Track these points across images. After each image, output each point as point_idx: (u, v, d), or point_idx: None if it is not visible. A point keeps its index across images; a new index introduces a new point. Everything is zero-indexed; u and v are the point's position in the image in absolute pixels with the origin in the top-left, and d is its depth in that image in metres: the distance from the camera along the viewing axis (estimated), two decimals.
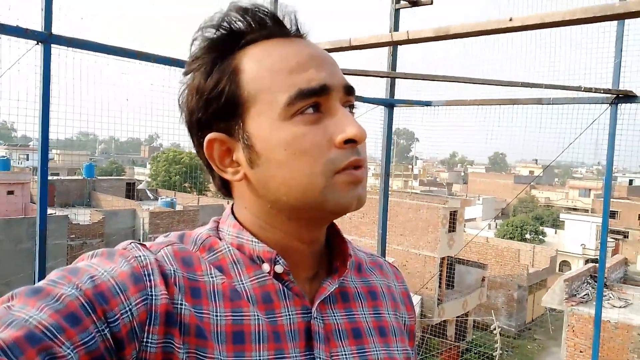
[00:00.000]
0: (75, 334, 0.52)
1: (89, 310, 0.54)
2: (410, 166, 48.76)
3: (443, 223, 20.03)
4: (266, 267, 0.68)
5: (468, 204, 27.63)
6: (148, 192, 31.21)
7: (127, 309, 0.56)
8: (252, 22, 0.67)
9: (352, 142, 0.64)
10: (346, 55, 2.90)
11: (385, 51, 4.80)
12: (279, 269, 0.67)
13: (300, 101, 0.64)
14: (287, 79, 0.64)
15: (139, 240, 0.90)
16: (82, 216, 20.36)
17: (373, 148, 5.36)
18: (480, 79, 3.91)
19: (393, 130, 5.18)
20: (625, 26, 4.02)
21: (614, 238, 31.72)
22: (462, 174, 65.18)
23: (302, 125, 0.64)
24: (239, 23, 0.67)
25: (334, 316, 0.71)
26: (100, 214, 19.98)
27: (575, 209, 41.95)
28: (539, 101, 4.27)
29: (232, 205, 0.74)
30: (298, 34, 0.70)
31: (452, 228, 20.53)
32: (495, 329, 19.01)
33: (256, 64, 0.66)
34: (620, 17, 1.86)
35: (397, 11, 4.80)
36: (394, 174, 37.21)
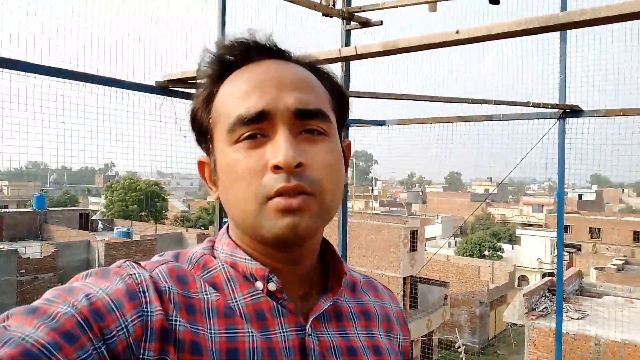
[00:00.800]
0: (72, 351, 0.52)
1: (85, 328, 0.54)
2: (370, 187, 49.23)
3: (404, 243, 20.15)
4: (259, 284, 0.69)
5: (428, 223, 28.01)
6: (100, 222, 30.18)
7: (123, 325, 0.57)
8: (236, 51, 0.71)
9: (281, 169, 0.64)
10: None
11: (337, 70, 4.78)
12: (272, 286, 0.68)
13: (239, 127, 0.66)
14: (236, 104, 0.67)
15: None
16: (33, 249, 19.46)
17: None
18: (430, 96, 3.92)
19: (352, 151, 5.13)
20: (568, 43, 4.15)
21: (567, 252, 32.79)
22: (421, 193, 66.35)
23: (242, 150, 0.66)
24: (229, 52, 0.71)
25: (328, 334, 0.72)
26: (52, 246, 19.16)
27: (530, 225, 43.27)
28: (489, 118, 4.33)
29: (227, 224, 0.76)
30: (277, 55, 0.72)
31: (413, 247, 20.68)
32: (459, 346, 19.08)
33: (223, 91, 0.70)
34: (564, 27, 1.87)
35: (347, 32, 4.79)
36: (354, 195, 37.42)
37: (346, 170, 0.77)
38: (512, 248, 35.96)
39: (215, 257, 0.72)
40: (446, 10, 4.19)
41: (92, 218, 30.53)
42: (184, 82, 3.13)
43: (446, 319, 22.35)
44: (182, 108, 3.34)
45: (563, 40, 4.18)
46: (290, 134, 0.66)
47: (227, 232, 0.75)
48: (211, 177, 0.74)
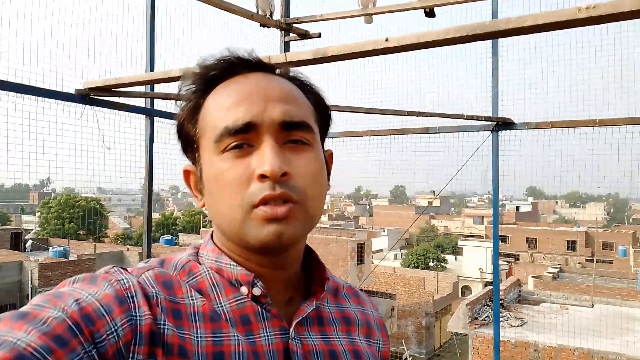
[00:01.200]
0: (64, 354, 0.53)
1: (76, 332, 0.55)
2: None
3: (352, 256, 20.22)
4: (244, 289, 0.70)
5: (374, 236, 28.28)
6: (31, 241, 28.49)
7: (113, 329, 0.58)
8: (221, 66, 0.73)
9: (267, 177, 0.66)
10: None
11: None
12: (257, 291, 0.70)
13: (226, 138, 0.68)
14: (223, 115, 0.69)
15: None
16: None
17: None
18: (366, 108, 3.91)
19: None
20: (504, 57, 4.29)
21: (506, 261, 34.07)
22: (368, 207, 67.21)
23: (229, 159, 0.68)
24: (213, 68, 0.74)
25: (311, 338, 0.74)
26: None
27: (471, 236, 44.68)
28: (425, 130, 4.37)
29: (212, 231, 0.78)
30: (262, 68, 0.75)
31: (360, 260, 20.78)
32: (407, 358, 19.23)
33: (210, 102, 0.72)
34: (491, 35, 1.87)
35: (286, 44, 4.74)
36: None
37: (328, 179, 0.80)
38: (455, 259, 36.96)
39: (200, 264, 0.73)
40: (383, 23, 4.22)
41: (26, 237, 28.78)
42: (106, 90, 2.93)
43: (393, 330, 22.54)
44: (106, 118, 3.14)
45: (495, 53, 4.32)
46: (276, 144, 0.68)
47: (212, 238, 0.77)
48: (197, 186, 0.76)
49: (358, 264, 20.61)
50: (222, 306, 0.69)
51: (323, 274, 0.79)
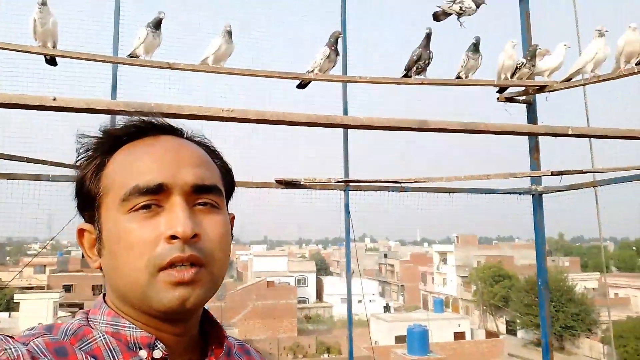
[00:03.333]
0: None
1: None
2: None
3: None
4: (143, 353, 0.68)
5: None
6: None
7: None
8: (131, 126, 0.74)
9: (177, 238, 0.67)
10: None
11: None
12: (157, 354, 0.68)
13: (135, 197, 0.68)
14: (133, 175, 0.69)
15: None
16: None
17: None
18: None
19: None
20: None
21: (70, 311, 32.29)
22: None
23: (136, 220, 0.68)
24: (121, 128, 0.74)
25: None
26: None
27: (31, 288, 40.17)
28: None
29: (104, 294, 0.75)
30: (171, 132, 0.77)
31: None
32: None
33: (118, 161, 0.72)
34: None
35: None
36: None
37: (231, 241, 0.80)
38: (9, 316, 32.29)
39: (93, 328, 0.69)
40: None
41: None
42: None
43: None
44: None
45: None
46: (187, 206, 0.69)
47: (105, 302, 0.74)
48: (93, 246, 0.73)
49: None
50: None
51: (221, 333, 0.79)
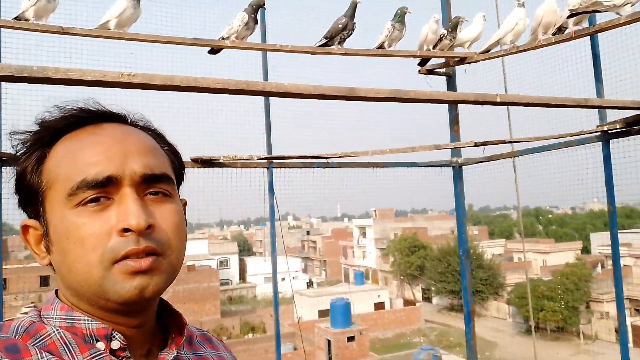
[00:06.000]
0: None
1: None
2: None
3: None
4: (101, 345, 0.67)
5: None
6: None
7: None
8: (67, 117, 0.70)
9: (131, 231, 0.64)
10: None
11: None
12: (115, 344, 0.67)
13: (83, 191, 0.65)
14: (78, 167, 0.66)
15: None
16: None
17: None
18: None
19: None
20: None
21: None
22: None
23: (85, 214, 0.65)
24: (62, 118, 0.70)
25: None
26: None
27: None
28: None
29: (56, 290, 0.73)
30: (115, 119, 0.73)
31: None
32: None
33: (58, 153, 0.69)
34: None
35: None
36: None
37: (186, 228, 0.77)
38: None
39: (46, 324, 0.67)
40: None
41: None
42: None
43: None
44: None
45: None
46: (138, 197, 0.67)
47: (58, 297, 0.71)
48: (39, 242, 0.71)
49: None
50: None
51: (181, 321, 0.78)
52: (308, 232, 57.73)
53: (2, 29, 3.92)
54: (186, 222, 0.78)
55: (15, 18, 3.64)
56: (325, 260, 51.91)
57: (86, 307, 0.69)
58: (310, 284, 47.11)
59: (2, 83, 3.87)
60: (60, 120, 0.70)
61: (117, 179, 0.66)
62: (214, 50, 3.81)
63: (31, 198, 0.70)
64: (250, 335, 29.89)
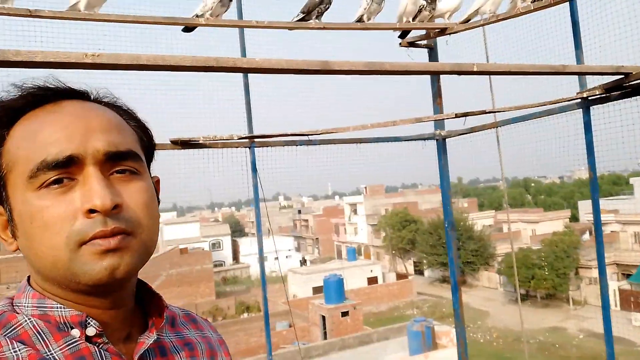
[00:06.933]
0: None
1: None
2: None
3: None
4: (76, 332, 0.65)
5: None
6: None
7: None
8: (29, 93, 0.67)
9: (97, 212, 0.62)
10: None
11: None
12: (91, 331, 0.65)
13: (44, 173, 0.62)
14: (38, 148, 0.63)
15: None
16: None
17: None
18: None
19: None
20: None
21: None
22: None
23: (48, 196, 0.63)
24: (19, 97, 0.67)
25: None
26: None
27: None
28: None
29: (29, 277, 0.71)
30: (76, 96, 0.70)
31: None
32: None
33: (18, 133, 0.66)
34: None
35: None
36: None
37: (158, 206, 0.75)
38: None
39: (18, 313, 0.66)
40: None
41: None
42: None
43: None
44: None
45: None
46: (102, 176, 0.64)
47: (29, 284, 0.69)
48: (5, 228, 0.68)
49: None
50: (52, 354, 0.62)
51: (160, 303, 0.76)
52: (299, 212, 57.87)
53: None
54: (159, 201, 0.76)
55: None
56: (317, 238, 52.18)
57: (58, 292, 0.67)
58: (303, 262, 47.42)
59: None
60: (18, 100, 0.67)
61: (79, 158, 0.64)
62: (188, 29, 3.73)
63: None
64: (245, 315, 30.16)
